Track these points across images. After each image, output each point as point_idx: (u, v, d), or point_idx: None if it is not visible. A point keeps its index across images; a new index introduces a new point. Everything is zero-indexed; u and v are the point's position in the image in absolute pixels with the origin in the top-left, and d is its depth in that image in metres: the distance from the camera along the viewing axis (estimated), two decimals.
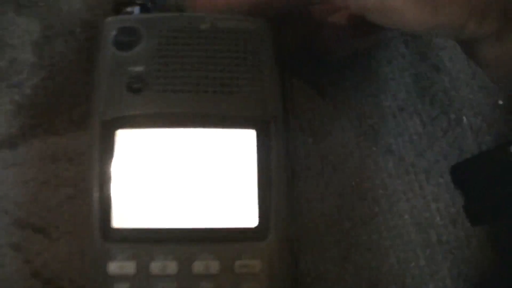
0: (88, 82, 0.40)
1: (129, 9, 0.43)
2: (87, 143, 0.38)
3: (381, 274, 0.42)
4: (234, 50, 0.40)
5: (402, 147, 0.45)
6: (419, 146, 0.46)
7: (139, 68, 0.39)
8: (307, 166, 0.45)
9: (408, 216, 0.44)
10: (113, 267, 0.36)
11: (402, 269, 0.43)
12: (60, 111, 0.44)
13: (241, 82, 0.39)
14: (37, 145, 0.43)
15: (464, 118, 0.46)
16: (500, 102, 0.47)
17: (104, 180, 0.37)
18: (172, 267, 0.36)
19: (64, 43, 0.46)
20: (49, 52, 0.45)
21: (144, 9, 0.43)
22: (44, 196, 0.42)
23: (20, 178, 0.42)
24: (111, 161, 0.37)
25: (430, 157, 0.45)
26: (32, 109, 0.44)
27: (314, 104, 0.46)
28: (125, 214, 0.36)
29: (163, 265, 0.36)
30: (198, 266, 0.36)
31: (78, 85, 0.44)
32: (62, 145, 0.43)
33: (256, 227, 0.37)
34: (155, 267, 0.36)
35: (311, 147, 0.45)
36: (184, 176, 0.37)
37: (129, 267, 0.36)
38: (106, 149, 0.37)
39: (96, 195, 0.37)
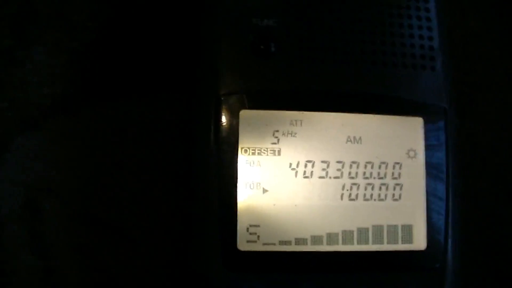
0: (190, 29, 0.28)
1: None
2: (198, 123, 0.27)
3: None
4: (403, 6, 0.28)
5: None
6: None
7: (269, 21, 0.27)
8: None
9: None
10: None
11: None
12: (145, 68, 0.31)
13: (408, 57, 0.28)
14: (100, 110, 0.31)
15: None
16: None
17: (224, 179, 0.26)
18: None
19: None
20: None
21: None
22: (113, 183, 0.30)
23: (79, 156, 0.30)
24: (234, 153, 0.26)
25: None
26: (100, 63, 0.31)
27: None
28: (259, 232, 0.26)
29: None
30: None
31: (170, 33, 0.32)
32: (135, 113, 0.31)
33: (425, 251, 0.27)
34: None
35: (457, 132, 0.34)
36: (331, 176, 0.27)
37: None
38: (227, 135, 0.26)
39: (211, 199, 0.26)
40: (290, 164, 0.27)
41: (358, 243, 0.27)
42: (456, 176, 0.29)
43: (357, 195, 0.27)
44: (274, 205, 0.27)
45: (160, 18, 0.31)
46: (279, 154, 0.27)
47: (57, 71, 0.30)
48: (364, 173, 0.27)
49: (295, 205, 0.27)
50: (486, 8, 0.35)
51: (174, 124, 0.30)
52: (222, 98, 0.27)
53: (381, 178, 0.28)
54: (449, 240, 0.28)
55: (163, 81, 0.30)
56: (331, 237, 0.27)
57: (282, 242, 0.27)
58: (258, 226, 0.26)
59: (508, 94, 0.35)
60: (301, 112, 0.27)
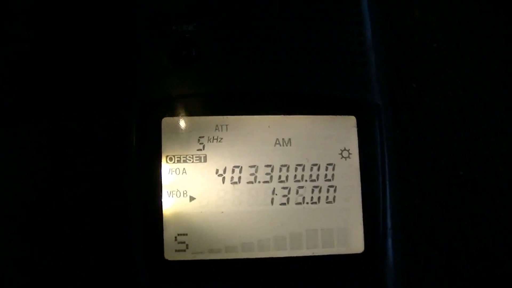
0: (114, 39, 0.28)
1: None
2: (120, 132, 0.27)
3: None
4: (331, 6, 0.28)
5: None
6: None
7: (188, 27, 0.27)
8: (401, 150, 0.34)
9: None
10: None
11: None
12: (66, 80, 0.31)
13: (337, 53, 0.27)
14: (43, 124, 0.31)
15: None
16: None
17: (148, 189, 0.26)
18: None
19: None
20: None
21: None
22: (55, 195, 0.30)
23: (23, 169, 0.30)
24: (157, 162, 0.26)
25: None
26: (33, 73, 0.31)
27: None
28: (187, 240, 0.26)
29: None
30: None
31: (91, 44, 0.31)
32: (78, 127, 0.31)
33: (362, 254, 0.26)
34: None
35: (406, 125, 0.34)
36: (260, 180, 0.26)
37: None
38: (149, 143, 0.26)
39: (135, 210, 0.26)
40: (217, 170, 0.26)
41: (291, 249, 0.26)
42: (395, 174, 0.28)
43: (288, 199, 0.27)
44: (201, 212, 0.26)
45: (89, 29, 0.31)
46: (205, 160, 0.26)
47: None
48: (295, 176, 0.27)
49: (222, 212, 0.26)
50: None
51: (101, 135, 0.30)
52: (143, 107, 0.26)
53: (313, 180, 0.27)
54: (388, 242, 0.27)
55: (90, 92, 0.30)
56: (263, 244, 0.26)
57: (212, 250, 0.26)
58: (186, 234, 0.26)
59: (458, 86, 0.34)
60: (226, 116, 0.27)
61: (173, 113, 0.26)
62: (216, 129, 0.26)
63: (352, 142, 0.27)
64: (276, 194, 0.26)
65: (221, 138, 0.26)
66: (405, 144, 0.34)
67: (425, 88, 0.34)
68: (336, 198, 0.27)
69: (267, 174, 0.27)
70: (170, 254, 0.26)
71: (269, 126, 0.27)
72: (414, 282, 0.32)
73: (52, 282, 0.29)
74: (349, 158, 0.27)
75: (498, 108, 0.34)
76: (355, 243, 0.27)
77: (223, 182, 0.26)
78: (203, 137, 0.26)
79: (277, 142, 0.27)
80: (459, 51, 0.35)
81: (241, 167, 0.26)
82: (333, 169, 0.27)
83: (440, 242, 0.33)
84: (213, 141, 0.26)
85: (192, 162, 0.26)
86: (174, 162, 0.26)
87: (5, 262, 0.29)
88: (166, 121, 0.26)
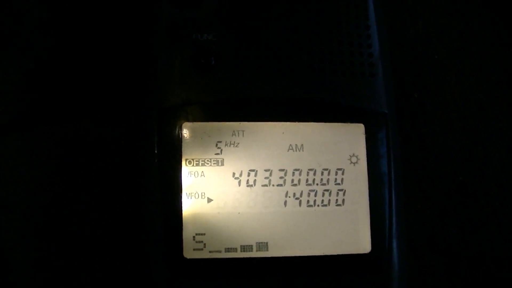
0: (135, 46, 0.29)
1: None
2: (142, 136, 0.28)
3: None
4: (341, 15, 0.29)
5: None
6: None
7: (208, 36, 0.28)
8: (402, 156, 0.35)
9: None
10: None
11: None
12: (87, 85, 0.32)
13: (348, 64, 0.29)
14: (56, 129, 0.32)
15: None
16: None
17: (168, 190, 0.27)
18: None
19: None
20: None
21: None
22: (70, 197, 0.31)
23: (36, 172, 0.31)
24: (177, 165, 0.27)
25: None
26: (48, 80, 0.32)
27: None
28: (205, 240, 0.27)
29: None
30: None
31: (112, 50, 0.33)
32: (91, 131, 0.32)
33: (369, 254, 0.28)
34: None
35: (408, 132, 0.35)
36: (274, 183, 0.28)
37: None
38: (170, 147, 0.27)
39: (156, 211, 0.27)
40: (234, 174, 0.28)
41: (302, 248, 0.28)
42: (401, 179, 0.29)
43: (300, 202, 0.28)
44: (219, 213, 0.27)
45: (110, 35, 0.32)
46: (222, 164, 0.28)
47: (10, 89, 0.32)
48: (307, 180, 0.28)
49: (239, 213, 0.27)
50: (435, 9, 0.36)
51: (122, 139, 0.31)
52: (165, 112, 0.28)
53: (324, 184, 0.28)
54: (394, 243, 0.28)
55: (111, 97, 0.32)
56: (276, 243, 0.28)
57: (228, 249, 0.27)
58: (204, 234, 0.27)
59: (458, 96, 0.35)
60: (242, 122, 0.28)
61: (193, 119, 0.28)
62: (233, 135, 0.28)
63: (361, 148, 0.29)
64: (289, 197, 0.28)
65: (238, 143, 0.28)
66: (406, 151, 0.35)
67: (426, 97, 0.36)
68: (345, 201, 0.28)
69: (280, 177, 0.28)
70: (189, 252, 0.27)
71: (283, 132, 0.28)
72: (415, 285, 0.34)
73: (75, 280, 0.30)
74: (358, 163, 0.29)
75: (497, 116, 0.36)
76: (363, 244, 0.28)
77: (239, 185, 0.28)
78: (220, 142, 0.28)
79: (290, 147, 0.28)
80: (459, 62, 0.36)
81: (256, 170, 0.28)
82: (343, 173, 0.28)
83: (440, 246, 0.35)
84: (230, 146, 0.28)
85: (210, 165, 0.28)
86: (193, 165, 0.27)
87: (28, 261, 0.30)
88: (186, 125, 0.27)
